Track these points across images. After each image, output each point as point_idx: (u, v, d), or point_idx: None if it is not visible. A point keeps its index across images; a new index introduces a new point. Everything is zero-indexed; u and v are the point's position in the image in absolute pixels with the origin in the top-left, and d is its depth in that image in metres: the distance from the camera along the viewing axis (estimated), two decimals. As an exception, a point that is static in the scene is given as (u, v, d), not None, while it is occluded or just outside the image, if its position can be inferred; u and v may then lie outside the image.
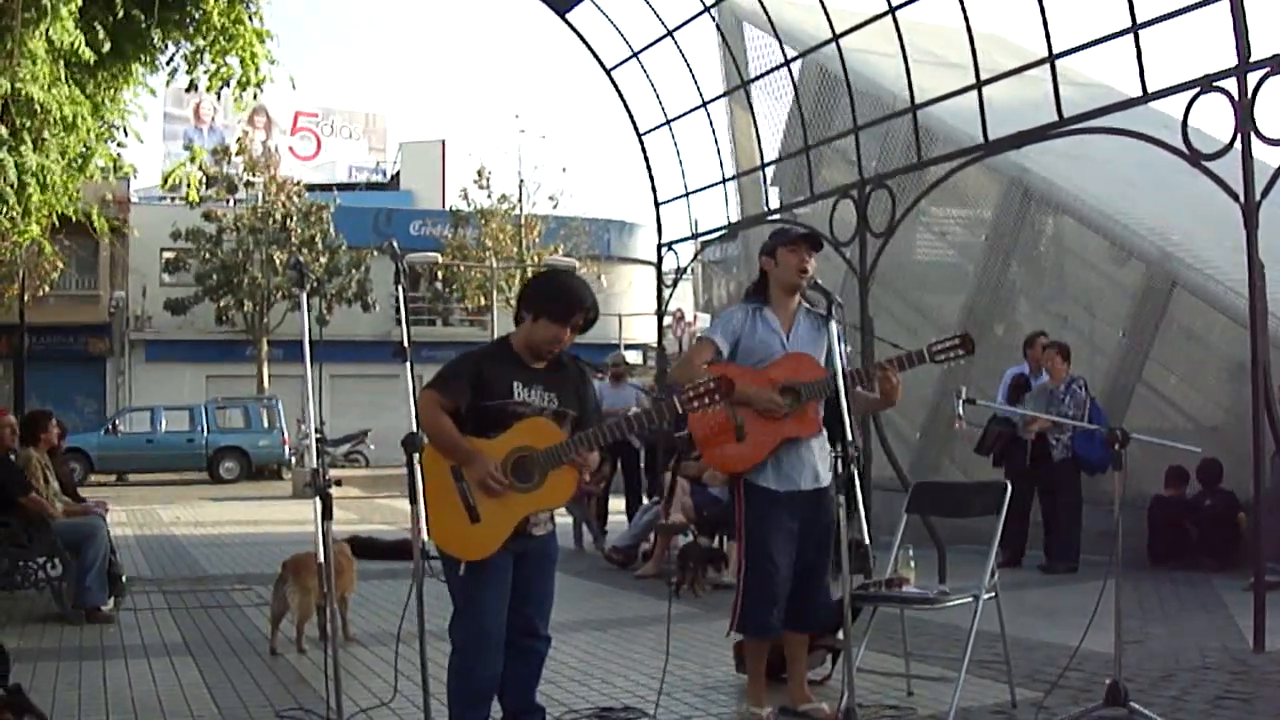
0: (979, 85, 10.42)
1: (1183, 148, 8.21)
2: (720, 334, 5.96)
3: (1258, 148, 7.80)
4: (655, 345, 15.51)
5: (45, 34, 9.32)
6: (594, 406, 5.38)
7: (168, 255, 39.92)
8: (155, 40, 11.16)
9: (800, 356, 5.87)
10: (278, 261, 37.25)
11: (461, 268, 41.24)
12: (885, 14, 11.10)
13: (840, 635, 5.86)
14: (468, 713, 5.04)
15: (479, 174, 42.34)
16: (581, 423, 5.15)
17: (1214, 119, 8.30)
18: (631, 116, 15.01)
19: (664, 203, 15.22)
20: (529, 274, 39.69)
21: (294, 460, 30.21)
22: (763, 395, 5.75)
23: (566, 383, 5.22)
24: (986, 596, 5.98)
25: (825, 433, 5.96)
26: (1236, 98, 7.84)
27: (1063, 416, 10.95)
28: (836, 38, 11.91)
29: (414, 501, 4.55)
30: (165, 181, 12.82)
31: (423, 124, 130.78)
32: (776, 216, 14.47)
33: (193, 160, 14.58)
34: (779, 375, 5.81)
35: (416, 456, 4.58)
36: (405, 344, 4.78)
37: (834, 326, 5.46)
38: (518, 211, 41.65)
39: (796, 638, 6.07)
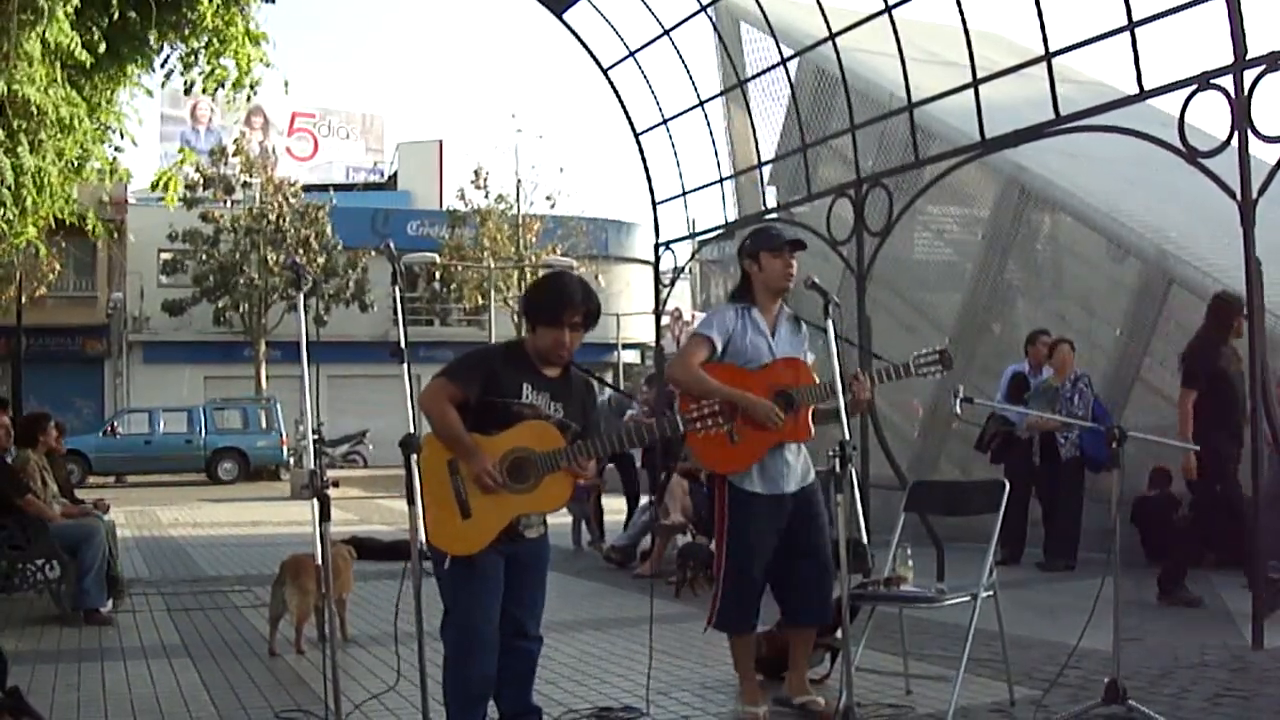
0: (975, 84, 10.42)
1: (1179, 145, 8.21)
2: (715, 331, 5.95)
3: (1254, 145, 7.81)
4: (653, 344, 15.50)
5: (41, 36, 9.32)
6: (597, 422, 5.38)
7: (165, 256, 39.90)
8: (151, 42, 11.16)
9: (794, 361, 5.90)
10: (271, 262, 37.24)
11: (459, 268, 41.24)
12: (882, 13, 11.10)
13: (839, 634, 5.86)
14: (464, 714, 5.03)
15: (476, 174, 42.36)
16: (584, 437, 5.13)
17: (1211, 116, 8.31)
18: (628, 116, 15.01)
19: (661, 202, 15.22)
20: (526, 274, 39.79)
21: (292, 461, 30.22)
22: (761, 408, 5.75)
23: (574, 395, 5.22)
24: (985, 595, 5.98)
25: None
26: (1233, 95, 7.84)
27: (1071, 415, 10.95)
28: (833, 36, 11.90)
29: (412, 502, 4.55)
30: (154, 186, 12.80)
31: (420, 124, 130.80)
32: (774, 216, 14.46)
33: (182, 164, 14.54)
34: (774, 380, 5.82)
35: (414, 457, 4.57)
36: (403, 344, 4.78)
37: (830, 326, 5.45)
38: (515, 211, 41.65)
39: (801, 633, 6.10)
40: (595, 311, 5.21)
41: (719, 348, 5.92)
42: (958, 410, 6.00)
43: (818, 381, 5.85)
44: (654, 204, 15.26)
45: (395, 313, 4.99)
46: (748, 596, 5.89)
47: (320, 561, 4.76)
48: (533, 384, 5.10)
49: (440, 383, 5.04)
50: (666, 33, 13.60)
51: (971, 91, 10.46)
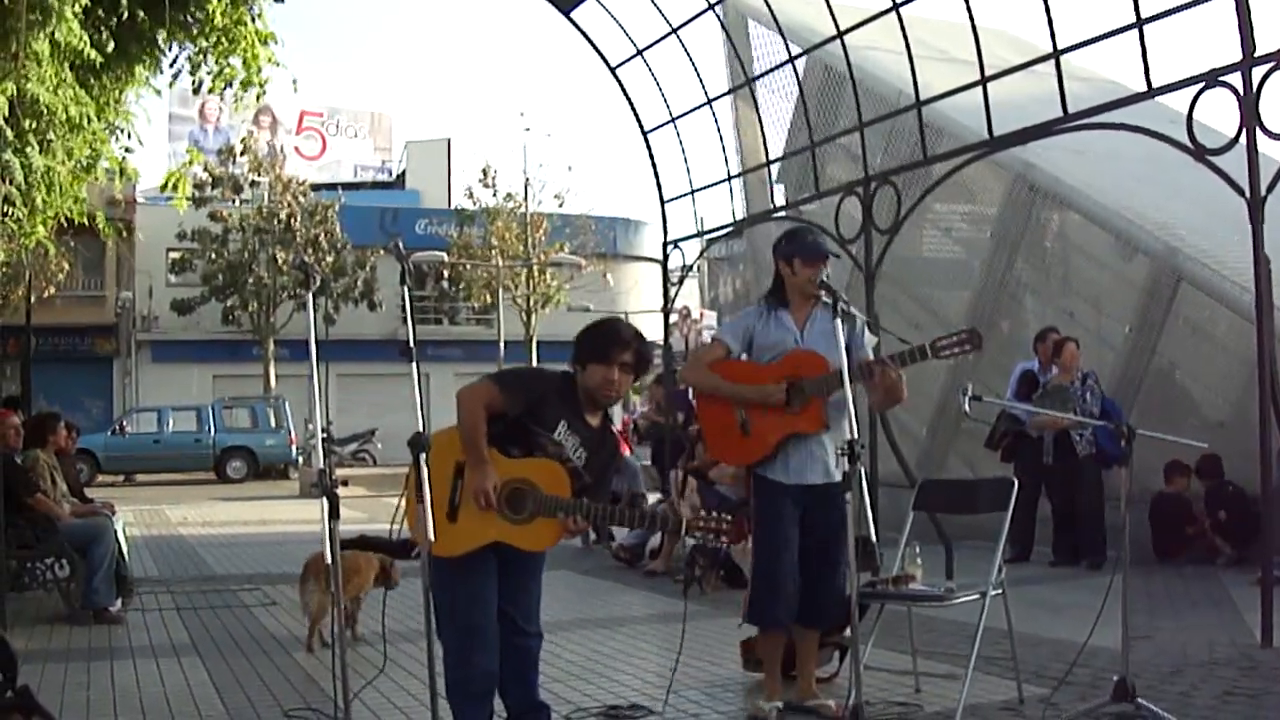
0: (984, 81, 10.41)
1: (1188, 143, 8.21)
2: (731, 334, 6.08)
3: (1263, 142, 7.80)
4: (661, 343, 15.52)
5: (50, 36, 9.31)
6: (608, 489, 5.40)
7: (174, 256, 40.01)
8: (159, 41, 11.14)
9: (805, 353, 5.91)
10: (280, 261, 37.27)
11: (467, 266, 41.23)
12: (889, 10, 11.09)
13: (848, 632, 5.87)
14: (468, 712, 5.03)
15: (484, 172, 42.29)
16: (590, 494, 5.11)
17: (1219, 114, 8.31)
18: (636, 114, 15.01)
19: (669, 200, 15.22)
20: (535, 272, 39.77)
21: (301, 460, 30.25)
22: (759, 390, 5.82)
23: (601, 452, 5.22)
24: (994, 593, 5.98)
25: (844, 429, 5.98)
26: (1241, 93, 7.84)
27: (1086, 412, 10.95)
28: (841, 34, 11.90)
29: (421, 500, 4.55)
30: (164, 186, 12.78)
31: (428, 123, 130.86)
32: (782, 214, 14.46)
33: (189, 164, 14.51)
34: (782, 371, 5.85)
35: (424, 456, 4.57)
36: (411, 343, 4.78)
37: (838, 323, 5.45)
38: (523, 210, 41.58)
39: (807, 633, 6.10)
40: (645, 358, 5.24)
41: (735, 350, 6.02)
42: (967, 409, 5.98)
43: (833, 370, 5.83)
44: (662, 202, 15.26)
45: (404, 311, 4.98)
46: (778, 588, 5.89)
47: (330, 560, 4.75)
48: (570, 424, 5.10)
49: (488, 385, 5.06)
50: (674, 31, 13.60)
51: (980, 89, 10.46)
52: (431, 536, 4.54)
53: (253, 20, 11.02)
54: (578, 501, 4.99)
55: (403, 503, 4.87)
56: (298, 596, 8.33)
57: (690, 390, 10.64)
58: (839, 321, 5.41)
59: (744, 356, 6.06)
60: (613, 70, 14.66)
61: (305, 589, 8.03)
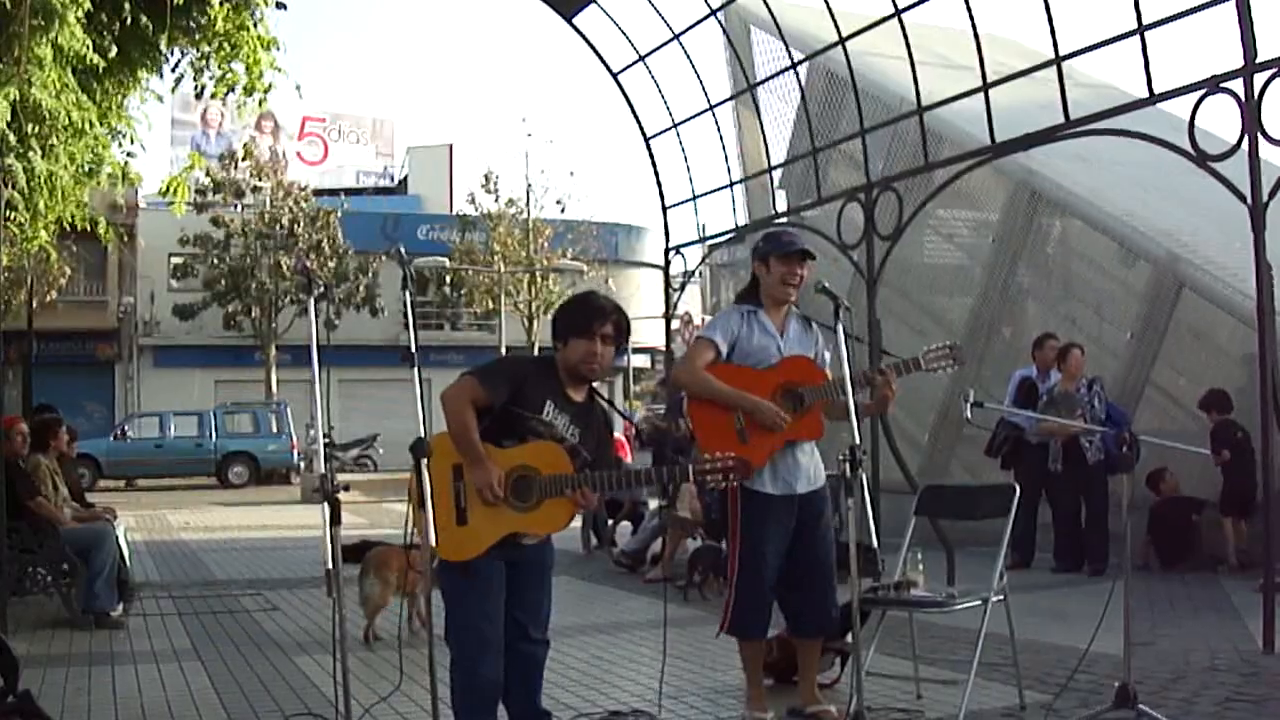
0: (986, 87, 10.41)
1: (1189, 149, 8.21)
2: (720, 334, 5.99)
3: (1265, 149, 7.80)
4: (663, 349, 15.49)
5: (53, 40, 9.32)
6: (609, 456, 5.39)
7: (176, 261, 40.00)
8: (161, 46, 11.16)
9: (801, 360, 5.90)
10: (284, 267, 37.29)
11: (469, 272, 41.24)
12: (891, 16, 11.09)
13: (849, 638, 5.86)
14: (472, 718, 5.03)
15: (486, 178, 42.33)
16: (592, 468, 5.11)
17: (1221, 120, 8.30)
18: (638, 120, 15.00)
19: (671, 206, 15.21)
20: (537, 278, 39.77)
21: (302, 465, 30.24)
22: (767, 411, 5.76)
23: (593, 425, 5.22)
24: (995, 599, 5.97)
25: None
26: (1243, 99, 7.84)
27: (1094, 418, 10.95)
28: (843, 40, 11.90)
29: (423, 506, 4.55)
30: (164, 192, 12.78)
31: (430, 128, 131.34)
32: (784, 219, 14.45)
33: (191, 169, 14.52)
34: (781, 378, 5.83)
35: (424, 462, 4.57)
36: (413, 349, 4.78)
37: (840, 329, 5.45)
38: (525, 215, 41.62)
39: (806, 643, 6.08)
40: (625, 327, 5.24)
41: (723, 351, 5.95)
42: (968, 415, 5.99)
43: (830, 378, 5.84)
44: (664, 208, 15.25)
45: (406, 317, 4.99)
46: (761, 601, 5.89)
47: (331, 565, 4.76)
48: (556, 403, 5.09)
49: (469, 382, 5.03)
50: (676, 37, 13.60)
51: (982, 95, 10.46)
52: (433, 542, 4.54)
53: (254, 25, 11.02)
54: (583, 475, 4.99)
55: (410, 510, 4.86)
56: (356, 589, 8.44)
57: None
58: (840, 327, 5.42)
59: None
60: (615, 76, 14.65)
61: (365, 582, 8.18)
